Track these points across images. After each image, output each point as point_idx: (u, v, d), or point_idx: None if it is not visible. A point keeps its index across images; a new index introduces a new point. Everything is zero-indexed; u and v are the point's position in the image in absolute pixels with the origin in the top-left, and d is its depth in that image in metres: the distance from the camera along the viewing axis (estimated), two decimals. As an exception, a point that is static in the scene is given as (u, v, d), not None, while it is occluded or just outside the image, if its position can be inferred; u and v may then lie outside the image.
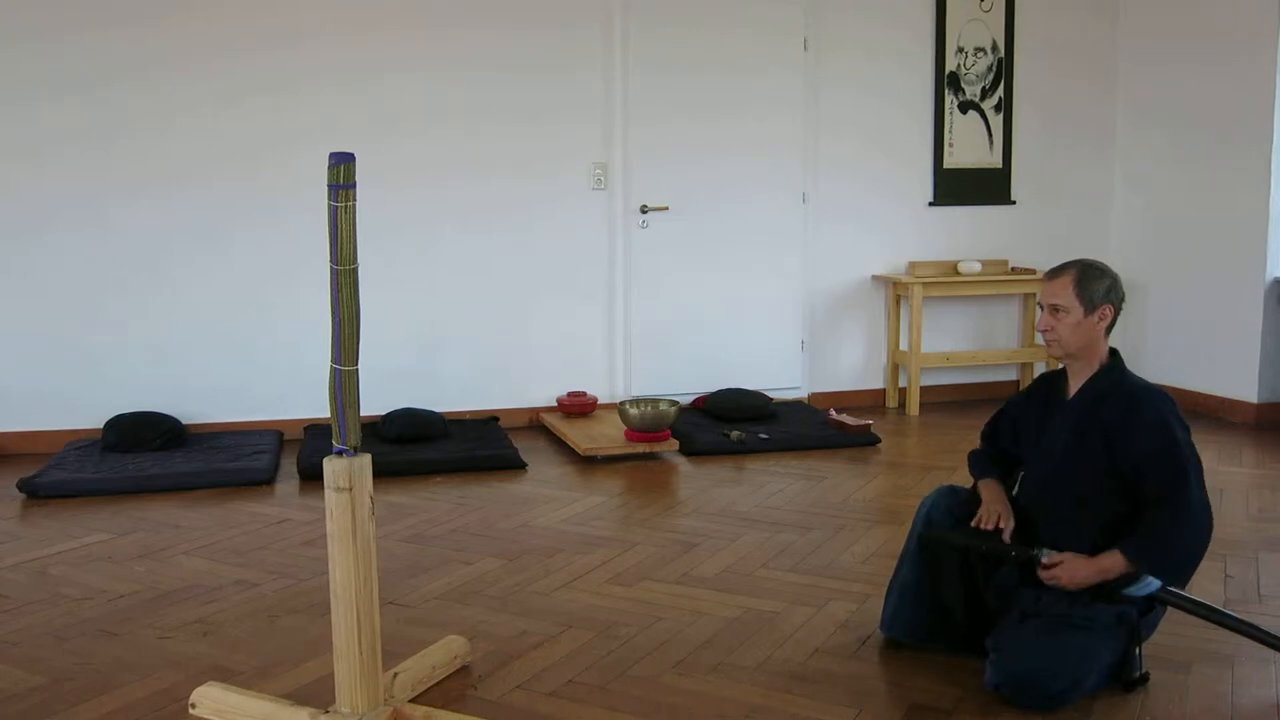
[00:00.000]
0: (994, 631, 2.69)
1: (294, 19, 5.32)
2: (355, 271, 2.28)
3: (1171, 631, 2.97)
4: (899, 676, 2.74)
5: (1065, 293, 2.77)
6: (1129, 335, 6.52)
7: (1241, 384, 5.83)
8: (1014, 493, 2.95)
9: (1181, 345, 6.21)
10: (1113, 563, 2.64)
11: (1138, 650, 2.66)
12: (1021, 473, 2.98)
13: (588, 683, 2.71)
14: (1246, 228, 5.78)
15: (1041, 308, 2.84)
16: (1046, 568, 2.69)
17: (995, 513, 2.82)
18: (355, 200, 2.30)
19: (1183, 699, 2.61)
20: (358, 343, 2.32)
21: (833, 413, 5.64)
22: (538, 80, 5.66)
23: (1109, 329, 2.81)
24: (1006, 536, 2.79)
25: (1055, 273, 2.83)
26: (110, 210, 5.21)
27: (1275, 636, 2.69)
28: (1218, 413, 5.95)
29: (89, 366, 5.24)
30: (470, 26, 5.55)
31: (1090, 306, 2.76)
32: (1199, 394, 6.07)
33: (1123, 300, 2.83)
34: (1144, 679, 2.66)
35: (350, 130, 5.40)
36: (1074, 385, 2.86)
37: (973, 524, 2.83)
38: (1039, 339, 6.45)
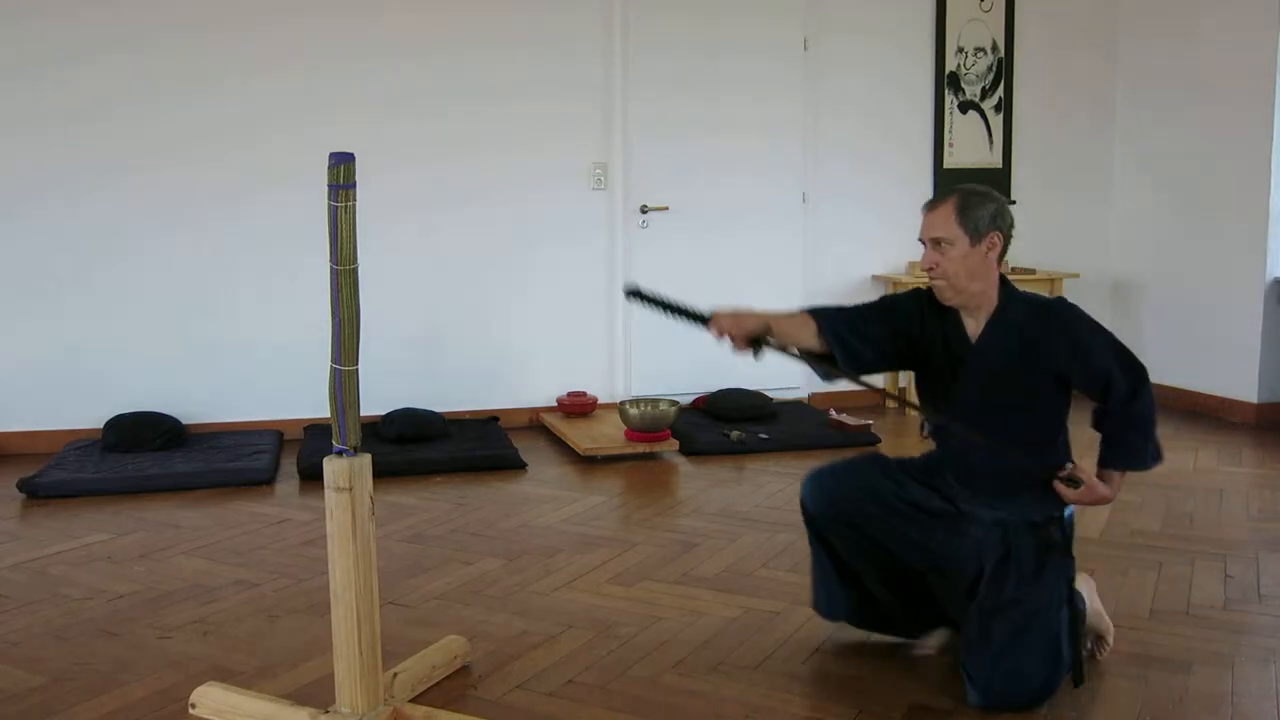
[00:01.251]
0: (962, 650, 2.61)
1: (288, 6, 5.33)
2: (355, 271, 2.28)
3: (1171, 632, 2.98)
4: (899, 676, 2.74)
5: (947, 223, 2.57)
6: (1128, 335, 6.51)
7: (1241, 384, 5.83)
8: (928, 436, 2.86)
9: (1181, 345, 6.21)
10: (1119, 483, 2.64)
11: (1085, 647, 2.70)
12: (929, 433, 2.86)
13: (588, 683, 2.71)
14: (1246, 228, 5.78)
15: (924, 244, 2.63)
16: (1071, 496, 2.61)
17: (735, 333, 2.72)
18: (355, 200, 2.29)
19: (1183, 699, 2.61)
20: (358, 343, 2.32)
21: (833, 413, 5.64)
22: (538, 80, 5.66)
23: (1000, 259, 2.63)
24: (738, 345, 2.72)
25: (933, 204, 2.63)
26: (112, 214, 5.21)
27: None
28: (1218, 413, 5.95)
29: (89, 366, 5.24)
30: (471, 27, 5.55)
31: (976, 235, 2.56)
32: (1199, 394, 6.07)
33: (1011, 227, 2.63)
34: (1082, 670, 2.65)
35: (354, 136, 5.42)
36: (973, 325, 2.66)
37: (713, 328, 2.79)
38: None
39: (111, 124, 5.17)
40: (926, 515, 2.74)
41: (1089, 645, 2.78)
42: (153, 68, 5.19)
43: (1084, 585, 2.82)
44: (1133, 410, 2.60)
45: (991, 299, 2.65)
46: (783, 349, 2.74)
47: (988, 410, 2.66)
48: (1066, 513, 2.69)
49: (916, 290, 2.80)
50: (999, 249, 2.60)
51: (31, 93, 5.07)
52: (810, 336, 2.74)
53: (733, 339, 2.72)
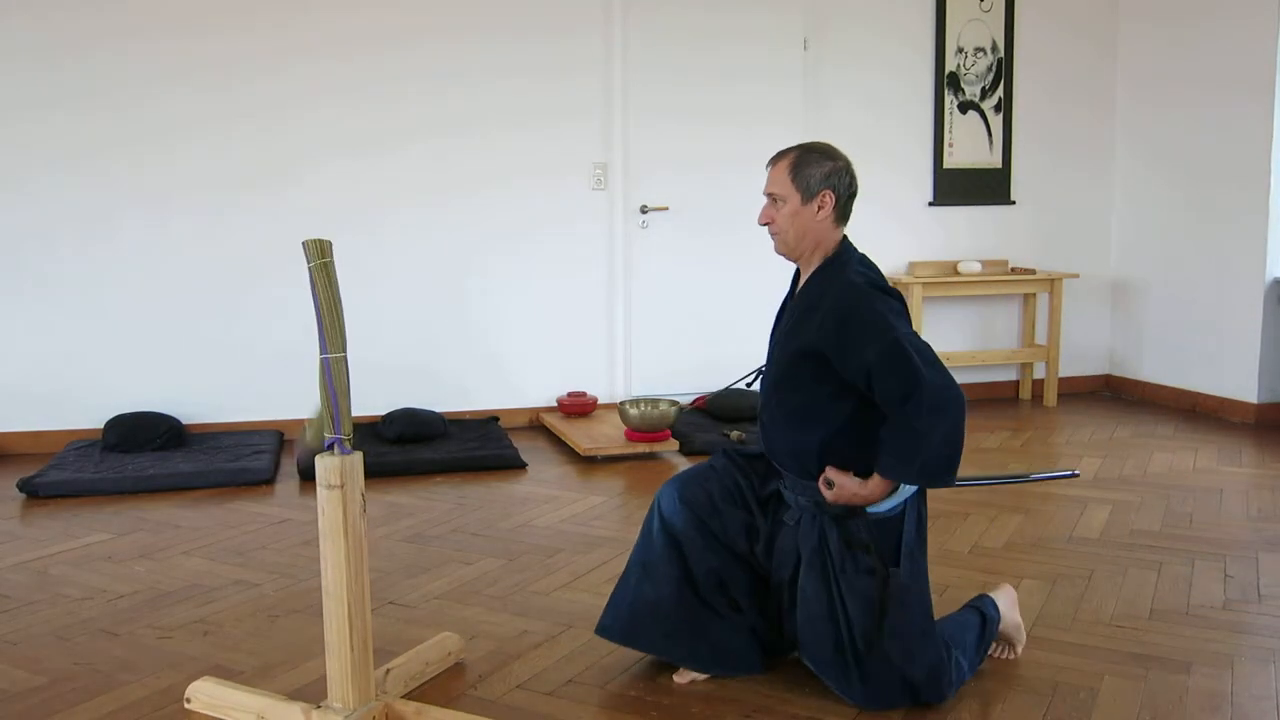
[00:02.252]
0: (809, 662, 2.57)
1: (311, 30, 5.33)
2: (328, 264, 2.29)
3: (1171, 632, 2.98)
4: (899, 676, 2.74)
5: (781, 179, 2.54)
6: (1129, 335, 6.53)
7: (1241, 384, 5.83)
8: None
9: (1181, 345, 6.21)
10: (879, 487, 2.46)
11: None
12: (748, 381, 2.80)
13: (588, 683, 2.70)
14: (1246, 228, 5.78)
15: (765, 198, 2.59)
16: (830, 498, 2.50)
17: None
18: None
19: (1183, 699, 2.61)
20: (342, 329, 2.32)
21: (833, 413, 5.63)
22: (538, 80, 5.66)
23: (840, 220, 2.57)
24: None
25: (774, 159, 2.59)
26: (112, 213, 5.22)
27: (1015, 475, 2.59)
28: (1218, 413, 5.95)
29: (89, 366, 5.24)
30: (471, 27, 5.55)
31: (808, 194, 2.52)
32: (1199, 394, 6.07)
33: (851, 188, 2.56)
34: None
35: (352, 132, 5.42)
36: (801, 284, 2.64)
37: None
38: (1040, 338, 6.46)
39: (112, 123, 5.17)
40: (759, 508, 2.68)
41: (995, 650, 2.80)
42: (149, 62, 5.19)
43: (1003, 596, 2.84)
44: (904, 417, 2.38)
45: (816, 262, 2.59)
46: None
47: (780, 377, 2.60)
48: (882, 508, 2.51)
49: None
50: (829, 208, 2.55)
51: (33, 85, 5.07)
52: None
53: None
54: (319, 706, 2.42)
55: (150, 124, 5.21)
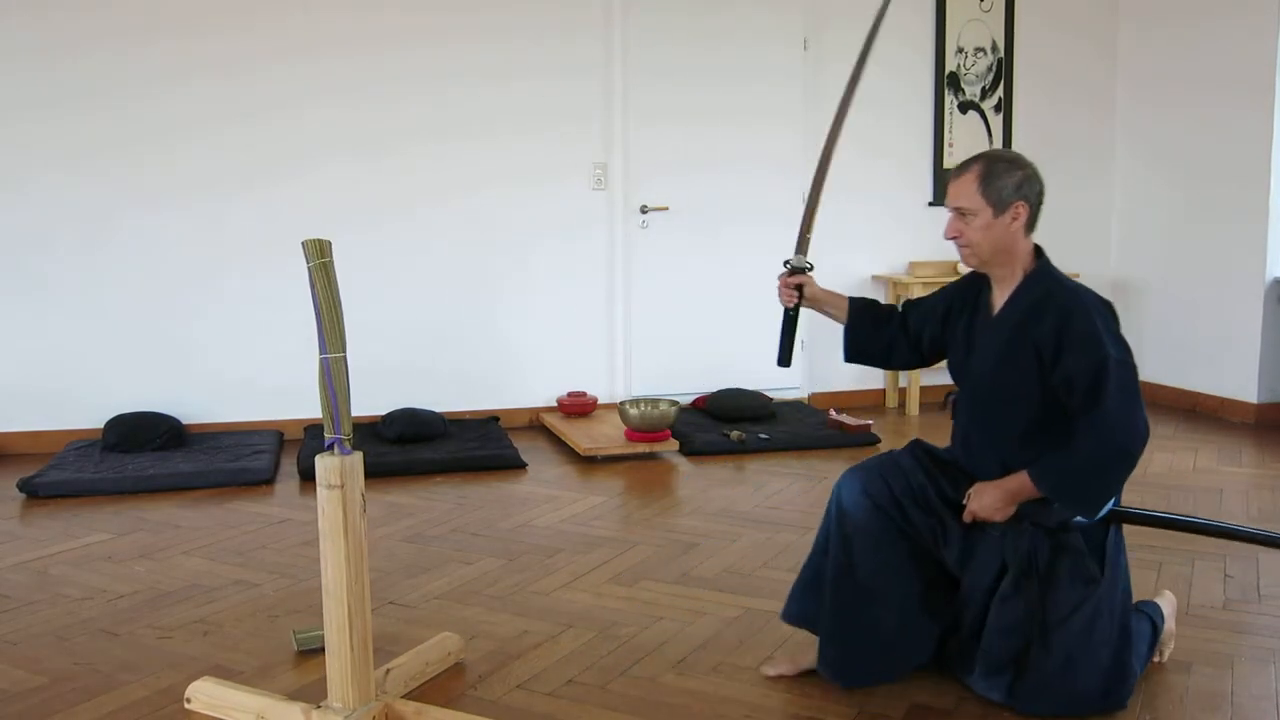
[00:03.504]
0: (985, 671, 2.50)
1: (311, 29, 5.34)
2: (327, 264, 2.29)
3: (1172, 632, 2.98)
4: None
5: (969, 193, 2.47)
6: (1128, 335, 6.49)
7: (1241, 384, 5.83)
8: (952, 416, 2.70)
9: (1181, 345, 6.21)
10: (1019, 484, 2.42)
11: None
12: (953, 396, 2.74)
13: (588, 683, 2.70)
14: (1246, 228, 5.78)
15: (949, 211, 2.54)
16: (966, 513, 2.51)
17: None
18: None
19: (1183, 699, 2.61)
20: (342, 329, 2.32)
21: (833, 413, 5.64)
22: (538, 80, 5.66)
23: (1030, 228, 2.52)
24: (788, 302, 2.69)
25: (957, 171, 2.52)
26: (111, 213, 5.22)
27: (1259, 532, 2.55)
28: (1218, 413, 5.94)
29: (89, 366, 5.24)
30: (472, 26, 5.55)
31: (1000, 206, 2.45)
32: (1199, 394, 6.07)
33: (1040, 195, 2.51)
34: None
35: (353, 133, 5.42)
36: (999, 297, 2.57)
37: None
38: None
39: (112, 123, 5.16)
40: (953, 514, 2.58)
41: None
42: (149, 62, 5.18)
43: (1167, 603, 2.83)
44: (1075, 432, 2.38)
45: (1017, 272, 2.54)
46: None
47: (988, 389, 2.56)
48: (1088, 519, 2.48)
49: (943, 289, 2.81)
50: (1024, 219, 2.49)
51: (33, 85, 5.07)
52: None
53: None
54: (319, 706, 2.42)
55: (150, 124, 5.21)
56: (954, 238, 2.54)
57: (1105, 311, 2.47)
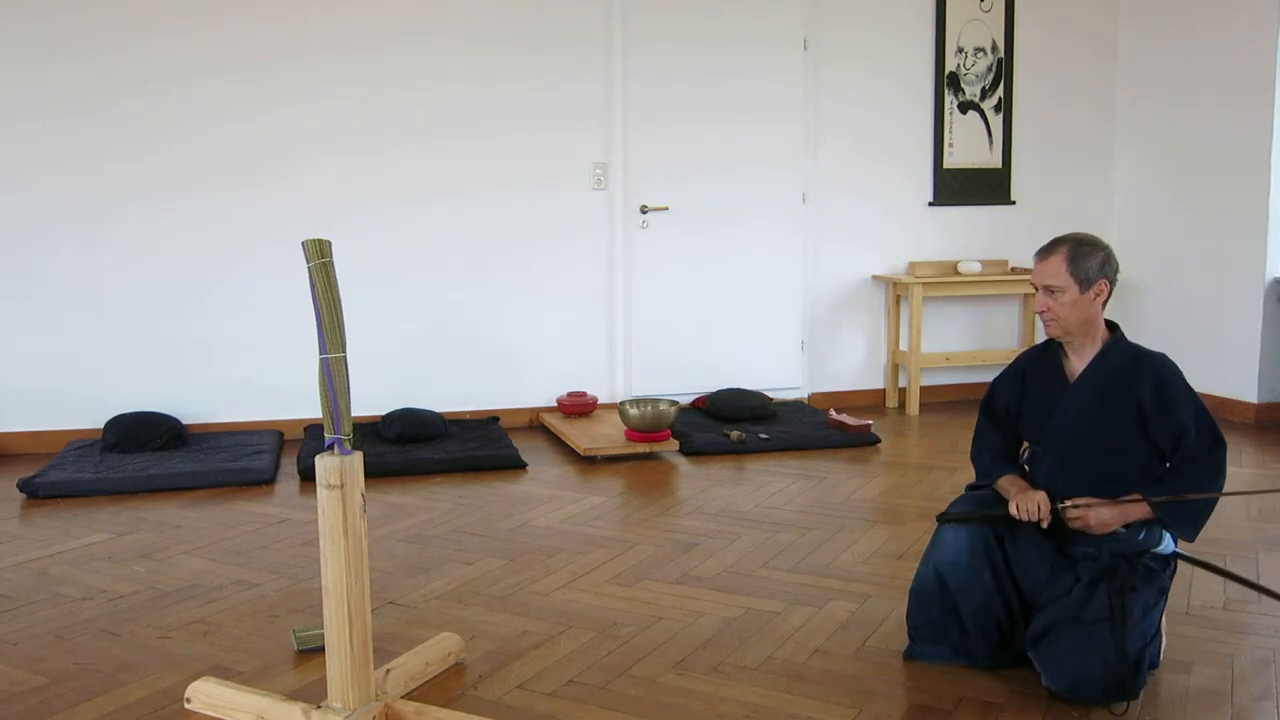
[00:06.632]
0: (1039, 642, 2.64)
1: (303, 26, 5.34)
2: (328, 264, 2.29)
3: (1172, 632, 2.97)
4: (899, 676, 2.74)
5: (1059, 272, 2.75)
6: (1128, 335, 6.50)
7: (1241, 384, 5.83)
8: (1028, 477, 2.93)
9: (1181, 345, 6.19)
10: (1135, 506, 2.71)
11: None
12: (1026, 458, 2.97)
13: (588, 683, 2.71)
14: (1246, 228, 5.78)
15: (1037, 289, 2.81)
16: (1072, 518, 2.72)
17: (1034, 501, 2.75)
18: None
19: (1183, 699, 2.61)
20: (342, 329, 2.32)
21: (833, 413, 5.64)
22: (538, 81, 5.66)
23: (1106, 303, 2.81)
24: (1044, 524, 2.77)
25: (1046, 252, 2.80)
26: (111, 213, 5.22)
27: None
28: (1218, 413, 5.94)
29: (89, 366, 5.24)
30: (472, 25, 5.55)
31: (1085, 284, 2.75)
32: (1199, 394, 6.05)
33: (1117, 272, 2.81)
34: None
35: (354, 135, 5.42)
36: (1078, 363, 2.84)
37: (1012, 514, 2.78)
38: (1039, 338, 6.46)
39: (112, 123, 5.16)
40: (1038, 558, 2.79)
41: None
42: (149, 62, 5.18)
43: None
44: (1202, 467, 2.72)
45: (1096, 340, 2.83)
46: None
47: (1076, 444, 2.81)
48: (1163, 548, 2.75)
49: (1015, 362, 3.05)
50: (1105, 295, 2.78)
51: (33, 85, 5.07)
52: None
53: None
54: (319, 706, 2.42)
55: (150, 124, 5.21)
56: (1042, 311, 2.81)
57: (1177, 366, 2.83)
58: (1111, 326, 2.86)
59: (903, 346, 6.28)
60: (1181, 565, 2.89)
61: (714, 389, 5.93)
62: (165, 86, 5.21)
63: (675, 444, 5.14)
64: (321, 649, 2.66)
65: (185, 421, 5.29)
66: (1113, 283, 2.79)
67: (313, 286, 2.29)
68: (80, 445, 5.05)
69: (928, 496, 4.41)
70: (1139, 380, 2.76)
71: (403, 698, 2.55)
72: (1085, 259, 2.75)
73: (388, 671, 2.58)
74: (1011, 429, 3.00)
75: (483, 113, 5.61)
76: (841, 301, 6.30)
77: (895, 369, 6.37)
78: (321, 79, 5.38)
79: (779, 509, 4.23)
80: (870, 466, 4.94)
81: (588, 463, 5.01)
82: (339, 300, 2.31)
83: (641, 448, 5.06)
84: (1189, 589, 3.32)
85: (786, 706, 2.58)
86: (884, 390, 6.44)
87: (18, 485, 4.43)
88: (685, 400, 5.88)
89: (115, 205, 5.22)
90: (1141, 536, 2.74)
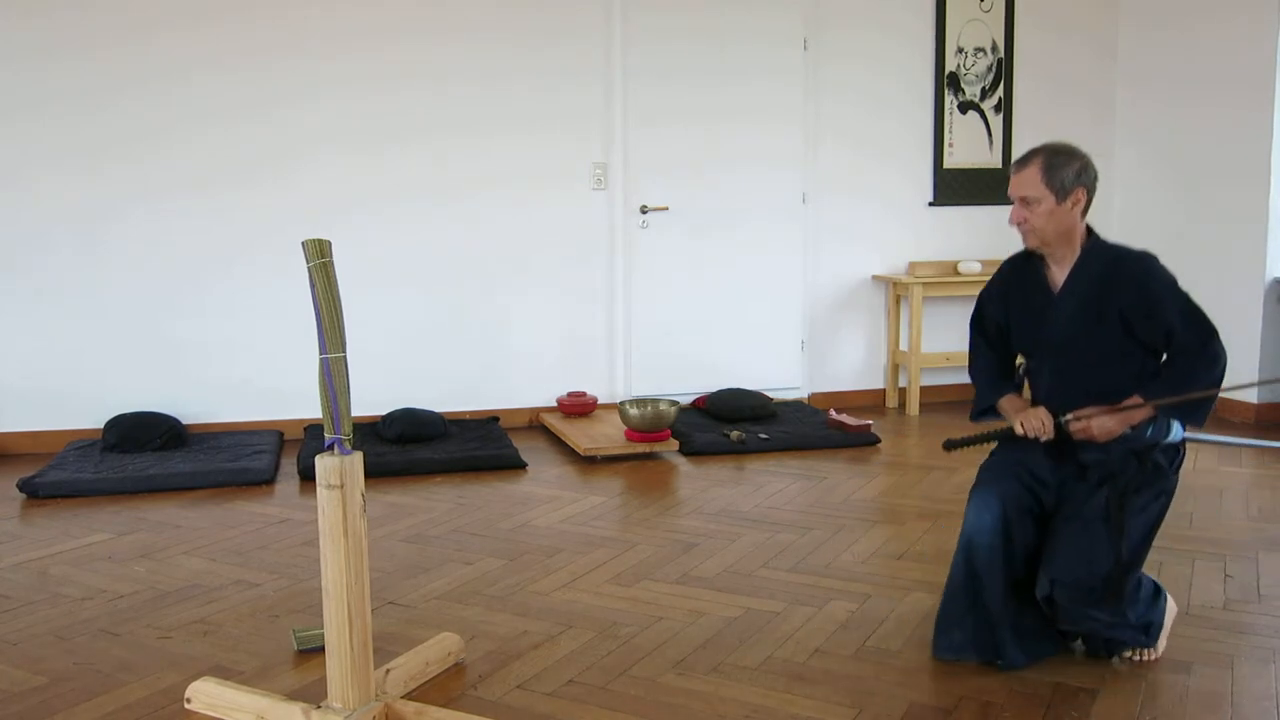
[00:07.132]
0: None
1: (307, 28, 5.34)
2: (328, 264, 2.29)
3: (1172, 631, 2.97)
4: (899, 676, 2.74)
5: (1034, 182, 2.71)
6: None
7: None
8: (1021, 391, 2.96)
9: (1181, 345, 6.21)
10: (1138, 410, 2.71)
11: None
12: (1022, 371, 2.98)
13: (588, 683, 2.70)
14: (1246, 228, 5.78)
15: (1013, 200, 2.76)
16: (1076, 431, 2.73)
17: (1037, 418, 2.75)
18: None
19: (1183, 699, 2.61)
20: (342, 329, 2.32)
21: (833, 413, 5.64)
22: (538, 81, 5.66)
23: (1085, 211, 2.76)
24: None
25: (1021, 163, 2.75)
26: (111, 213, 5.22)
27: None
28: (1218, 413, 5.94)
29: (89, 366, 5.24)
30: (472, 25, 5.55)
31: (1062, 193, 2.70)
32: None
33: (1095, 180, 2.75)
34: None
35: (354, 135, 5.42)
36: (1059, 273, 2.82)
37: (1017, 433, 2.79)
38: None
39: (112, 123, 5.16)
40: (1056, 486, 2.80)
41: (1140, 653, 2.80)
42: (148, 62, 5.18)
43: (1170, 606, 2.90)
44: (1195, 359, 2.70)
45: (1076, 249, 2.79)
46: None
47: (1070, 355, 2.80)
48: (1173, 437, 2.77)
49: (998, 272, 3.00)
50: (1084, 204, 2.73)
51: (33, 85, 5.07)
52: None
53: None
54: (319, 706, 2.42)
55: (149, 123, 5.21)
56: (1019, 223, 2.77)
57: (1157, 260, 2.79)
58: (1088, 231, 2.81)
59: (903, 346, 6.28)
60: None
61: (714, 389, 5.93)
62: (165, 86, 5.21)
63: (675, 444, 5.14)
64: (321, 649, 2.66)
65: (185, 421, 5.29)
66: (1091, 190, 2.74)
67: (313, 286, 2.29)
68: (80, 445, 5.05)
69: (928, 496, 4.41)
70: (1119, 285, 2.74)
71: (403, 698, 2.55)
72: (1061, 168, 2.69)
73: (388, 671, 2.58)
74: (1003, 344, 2.99)
75: (483, 113, 5.61)
76: (841, 301, 6.30)
77: (895, 369, 6.37)
78: (321, 79, 5.38)
79: (779, 509, 4.23)
80: (870, 466, 4.94)
81: (588, 463, 5.01)
82: (339, 300, 2.31)
83: (641, 448, 5.06)
84: (1189, 589, 3.32)
85: (786, 706, 2.58)
86: (884, 390, 6.44)
87: (18, 485, 4.43)
88: (685, 400, 5.88)
89: (115, 205, 5.22)
90: (1150, 433, 2.74)
